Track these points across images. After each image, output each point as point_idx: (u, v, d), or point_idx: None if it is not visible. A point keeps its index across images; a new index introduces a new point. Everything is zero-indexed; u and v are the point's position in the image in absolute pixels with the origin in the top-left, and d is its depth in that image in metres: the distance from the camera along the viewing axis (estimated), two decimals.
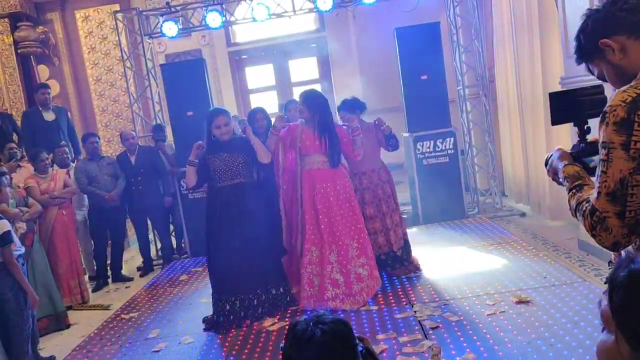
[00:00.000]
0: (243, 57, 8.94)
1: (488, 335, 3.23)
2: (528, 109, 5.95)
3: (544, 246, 4.88)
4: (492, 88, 6.99)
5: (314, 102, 4.12)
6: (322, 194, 4.08)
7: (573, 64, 4.95)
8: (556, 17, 4.68)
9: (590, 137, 1.57)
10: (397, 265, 4.57)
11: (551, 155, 1.63)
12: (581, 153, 1.55)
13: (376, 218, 4.55)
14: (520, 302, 3.64)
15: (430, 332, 3.39)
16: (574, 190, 1.45)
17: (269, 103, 8.21)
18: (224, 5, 6.58)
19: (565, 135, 4.95)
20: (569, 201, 1.47)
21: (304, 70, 9.02)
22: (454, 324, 3.46)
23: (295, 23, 8.26)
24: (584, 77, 3.94)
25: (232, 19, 6.92)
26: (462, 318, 3.53)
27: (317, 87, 8.98)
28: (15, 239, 3.54)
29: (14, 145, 5.37)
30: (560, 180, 1.55)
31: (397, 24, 6.52)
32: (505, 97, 6.74)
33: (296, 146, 4.14)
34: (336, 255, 4.02)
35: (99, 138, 5.92)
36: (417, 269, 4.60)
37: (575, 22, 4.12)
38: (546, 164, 1.65)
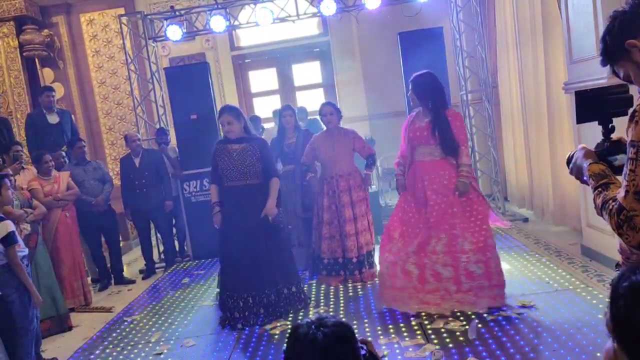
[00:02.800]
0: (246, 61, 8.96)
1: (490, 341, 3.22)
2: (531, 114, 5.95)
3: (546, 252, 4.87)
4: (495, 93, 6.99)
5: (424, 88, 3.77)
6: (430, 187, 3.77)
7: (576, 69, 4.93)
8: (559, 22, 4.69)
9: (614, 136, 1.56)
10: (358, 269, 4.68)
11: (574, 154, 1.60)
12: (605, 151, 1.54)
13: (351, 221, 4.65)
14: (523, 307, 3.63)
15: (433, 336, 3.38)
16: (600, 189, 1.44)
17: (272, 107, 8.22)
18: (228, 10, 6.61)
19: (569, 141, 4.95)
20: (594, 200, 1.45)
21: (307, 75, 9.03)
22: (456, 328, 3.46)
23: (299, 27, 8.28)
24: (587, 83, 3.94)
25: (236, 23, 6.96)
26: (464, 323, 3.52)
27: (320, 91, 9.02)
28: (20, 240, 3.55)
29: (19, 147, 5.40)
30: (585, 178, 1.53)
31: (400, 29, 6.54)
32: (509, 103, 6.74)
33: (407, 137, 3.86)
34: (443, 245, 3.67)
35: (85, 143, 5.92)
36: (373, 277, 4.65)
37: (579, 28, 4.14)
38: (568, 163, 1.63)
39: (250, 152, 3.99)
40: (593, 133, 3.97)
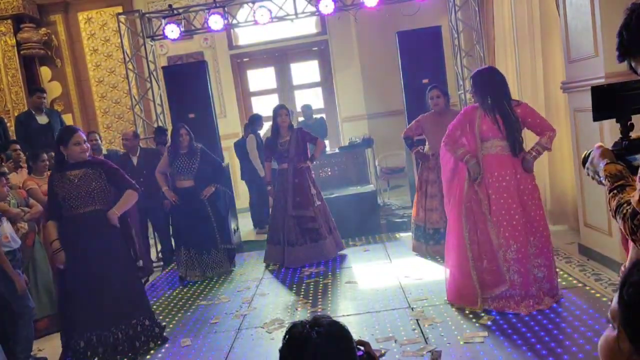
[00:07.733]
0: (245, 59, 8.95)
1: (488, 339, 3.22)
2: None
3: None
4: None
5: (481, 83, 3.69)
6: (499, 181, 3.64)
7: (574, 68, 4.89)
8: (558, 22, 4.69)
9: (633, 134, 1.49)
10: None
11: (590, 153, 1.53)
12: (624, 151, 1.47)
13: (435, 197, 4.97)
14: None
15: (430, 336, 3.38)
16: (615, 191, 1.37)
17: (270, 106, 8.22)
18: (226, 8, 6.60)
19: (567, 141, 4.95)
20: (609, 202, 1.39)
21: (306, 74, 9.03)
22: (453, 327, 3.46)
23: (297, 26, 8.28)
24: (584, 82, 3.95)
25: (234, 21, 6.94)
26: (461, 322, 3.52)
27: (318, 90, 9.02)
28: (11, 232, 3.60)
29: (17, 146, 5.38)
30: (601, 179, 1.46)
31: (398, 28, 6.54)
32: None
33: (474, 130, 3.72)
34: (515, 252, 3.57)
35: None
36: None
37: (576, 28, 4.14)
38: (584, 162, 1.55)
39: (94, 176, 3.64)
40: (592, 135, 3.96)
